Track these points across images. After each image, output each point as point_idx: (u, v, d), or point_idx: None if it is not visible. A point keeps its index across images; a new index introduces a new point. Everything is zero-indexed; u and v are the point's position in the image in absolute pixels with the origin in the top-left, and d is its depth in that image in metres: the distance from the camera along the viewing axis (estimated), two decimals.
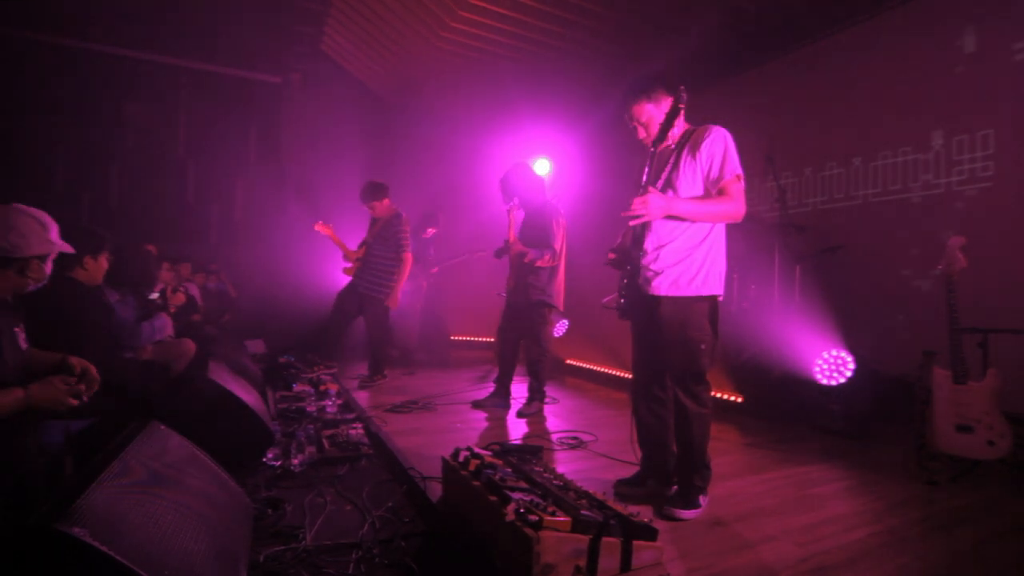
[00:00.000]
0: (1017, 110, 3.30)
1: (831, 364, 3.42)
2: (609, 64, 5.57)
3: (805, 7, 4.45)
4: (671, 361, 2.17)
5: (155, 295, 3.48)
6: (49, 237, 1.87)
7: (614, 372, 5.19)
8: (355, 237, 4.90)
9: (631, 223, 2.07)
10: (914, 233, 3.76)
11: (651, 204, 1.97)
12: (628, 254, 2.17)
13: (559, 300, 3.79)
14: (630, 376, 4.56)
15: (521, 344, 3.91)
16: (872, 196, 4.06)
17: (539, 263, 3.61)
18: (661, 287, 2.13)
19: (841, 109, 4.26)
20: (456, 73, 6.17)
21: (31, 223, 1.83)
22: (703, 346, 2.12)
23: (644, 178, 2.08)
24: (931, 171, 3.73)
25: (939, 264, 2.61)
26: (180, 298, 3.75)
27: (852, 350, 3.39)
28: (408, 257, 4.61)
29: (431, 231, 6.28)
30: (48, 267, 1.92)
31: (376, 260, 4.64)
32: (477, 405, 3.90)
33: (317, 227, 4.76)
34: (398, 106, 7.43)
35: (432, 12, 5.26)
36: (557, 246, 3.67)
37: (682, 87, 1.95)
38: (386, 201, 4.70)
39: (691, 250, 2.12)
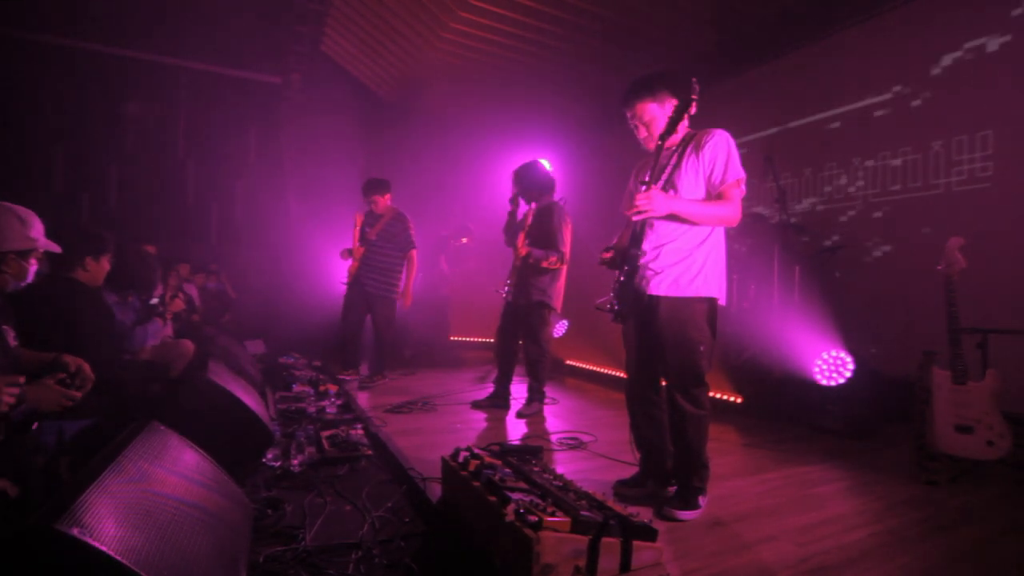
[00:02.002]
0: (1016, 110, 3.31)
1: (831, 364, 3.42)
2: (608, 64, 5.57)
3: (805, 7, 4.45)
4: (669, 362, 2.15)
5: (155, 300, 3.47)
6: (29, 234, 1.85)
7: (613, 372, 5.19)
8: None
9: (634, 219, 2.06)
10: (913, 233, 3.77)
11: (655, 200, 1.98)
12: (626, 254, 2.14)
13: (558, 302, 3.78)
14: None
15: (521, 344, 3.91)
16: (872, 196, 4.07)
17: (544, 264, 3.61)
18: (660, 287, 2.12)
19: (840, 109, 4.27)
20: (456, 73, 6.18)
21: (10, 219, 1.82)
22: (702, 347, 2.10)
23: (647, 176, 2.07)
24: (930, 171, 3.74)
25: (938, 264, 2.61)
26: (179, 304, 3.74)
27: (852, 350, 3.39)
28: (415, 255, 4.65)
29: (465, 240, 6.51)
30: (30, 264, 1.90)
31: (381, 259, 4.64)
32: (476, 405, 3.90)
33: (357, 216, 4.77)
34: (398, 106, 7.44)
35: (432, 13, 5.26)
36: (565, 249, 3.66)
37: (694, 79, 1.94)
38: (388, 197, 4.70)
39: (691, 250, 2.12)
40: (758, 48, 4.90)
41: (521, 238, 3.67)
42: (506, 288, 3.82)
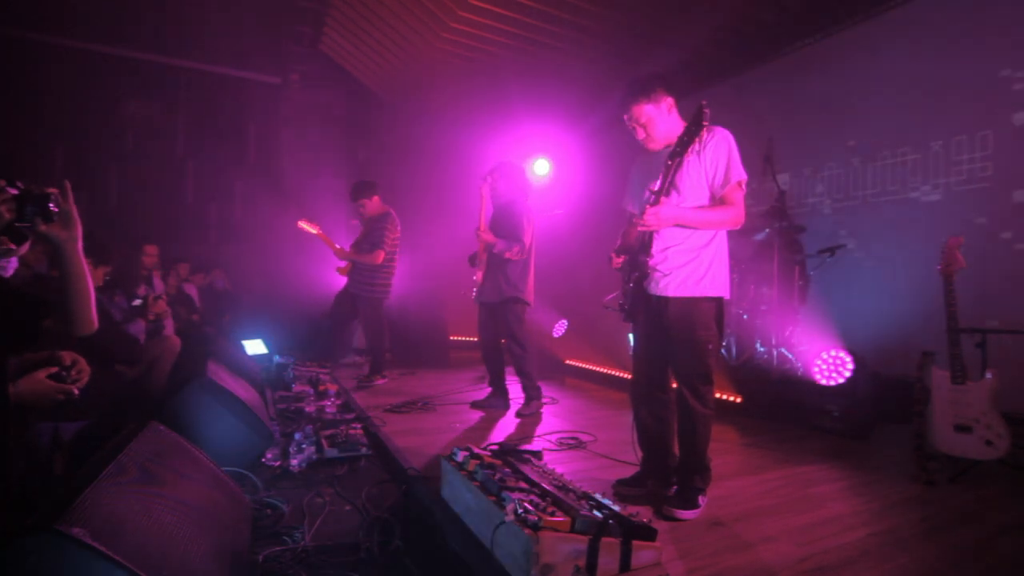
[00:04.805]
0: (1016, 110, 3.31)
1: (830, 364, 3.42)
2: (609, 64, 5.57)
3: (805, 8, 4.45)
4: (679, 362, 2.18)
5: (137, 301, 3.45)
6: None
7: (614, 372, 5.19)
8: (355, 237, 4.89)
9: (640, 228, 2.08)
10: (913, 233, 3.77)
11: (663, 216, 2.01)
12: (635, 258, 2.16)
13: (530, 295, 3.76)
14: (630, 377, 4.56)
15: (503, 345, 3.88)
16: (871, 196, 4.07)
17: (507, 255, 3.60)
18: (669, 288, 2.14)
19: (840, 109, 4.27)
20: (456, 73, 6.18)
21: None
22: (710, 346, 2.14)
23: (657, 184, 2.06)
24: (930, 171, 3.74)
25: (938, 264, 2.61)
26: (161, 306, 3.69)
27: (851, 350, 3.39)
28: (378, 254, 4.43)
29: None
30: None
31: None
32: (476, 405, 3.90)
33: (300, 224, 4.54)
34: (397, 106, 7.44)
35: (432, 12, 5.26)
36: (526, 239, 3.65)
37: (704, 102, 1.93)
38: (375, 199, 4.62)
39: (698, 251, 2.14)
40: (758, 47, 4.90)
41: (484, 226, 3.66)
42: (475, 290, 3.81)
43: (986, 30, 3.46)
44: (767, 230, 4.04)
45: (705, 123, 1.93)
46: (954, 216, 3.56)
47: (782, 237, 4.00)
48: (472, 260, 3.85)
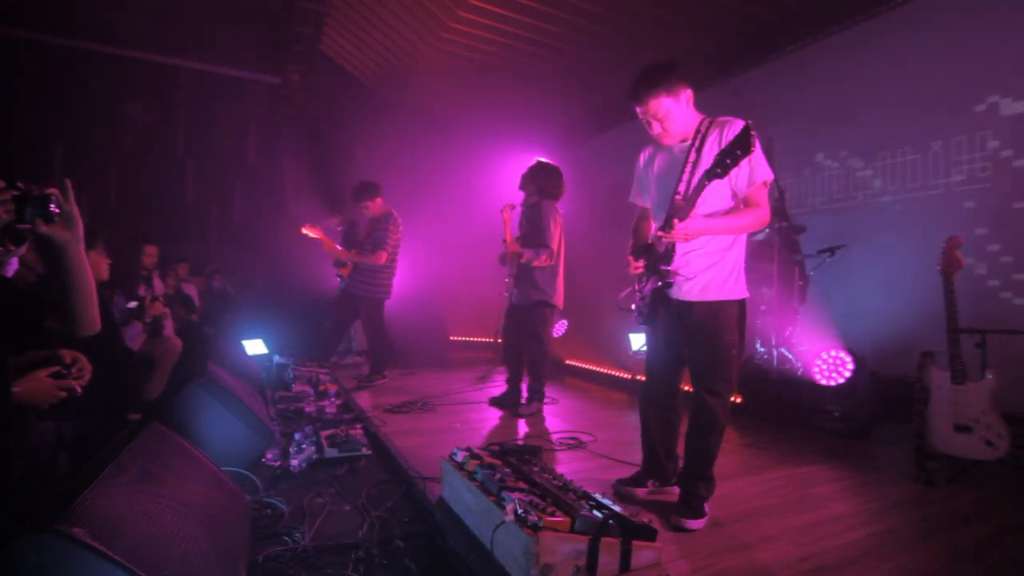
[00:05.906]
0: (1015, 109, 3.31)
1: (830, 364, 3.42)
2: (608, 64, 5.57)
3: (805, 7, 4.45)
4: (703, 366, 2.10)
5: (134, 304, 3.43)
6: None
7: (613, 372, 5.19)
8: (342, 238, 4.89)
9: (666, 240, 1.99)
10: (913, 233, 3.77)
11: (692, 230, 1.91)
12: (655, 266, 2.09)
13: (559, 298, 3.79)
14: (629, 376, 4.56)
15: (522, 344, 3.91)
16: (871, 196, 4.07)
17: (536, 263, 3.61)
18: (693, 292, 2.08)
19: (840, 109, 4.27)
20: (455, 73, 6.18)
21: None
22: (734, 351, 2.08)
23: (682, 188, 1.97)
24: (930, 171, 3.74)
25: (938, 264, 2.61)
26: (158, 307, 3.69)
27: (851, 350, 3.40)
28: (380, 255, 4.47)
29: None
30: None
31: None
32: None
33: (303, 230, 4.62)
34: (397, 106, 7.43)
35: (432, 13, 5.26)
36: (554, 245, 3.66)
37: (751, 123, 1.81)
38: (378, 200, 4.64)
39: (722, 254, 2.08)
40: (758, 48, 4.90)
41: (510, 239, 3.68)
42: (507, 292, 3.83)
43: (987, 30, 3.46)
44: (767, 230, 4.04)
45: (753, 149, 1.79)
46: (954, 216, 3.56)
47: (782, 237, 4.00)
48: (502, 259, 3.89)
